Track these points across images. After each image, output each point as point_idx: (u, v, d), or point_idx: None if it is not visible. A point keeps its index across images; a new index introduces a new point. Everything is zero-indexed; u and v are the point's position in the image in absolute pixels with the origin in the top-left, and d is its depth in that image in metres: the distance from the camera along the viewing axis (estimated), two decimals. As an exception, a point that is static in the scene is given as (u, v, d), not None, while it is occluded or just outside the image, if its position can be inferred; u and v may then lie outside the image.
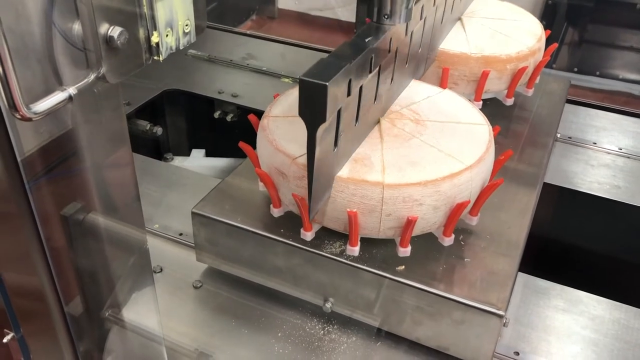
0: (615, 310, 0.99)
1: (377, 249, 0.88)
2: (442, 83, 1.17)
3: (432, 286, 0.84)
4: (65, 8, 0.49)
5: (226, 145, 1.42)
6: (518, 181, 1.07)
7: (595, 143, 1.40)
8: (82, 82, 0.50)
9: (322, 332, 0.93)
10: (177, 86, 1.60)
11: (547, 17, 2.12)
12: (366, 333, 0.92)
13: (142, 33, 0.54)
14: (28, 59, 0.48)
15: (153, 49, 0.55)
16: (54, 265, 0.62)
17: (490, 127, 0.95)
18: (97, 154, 0.62)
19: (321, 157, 0.74)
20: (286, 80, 1.63)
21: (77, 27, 0.49)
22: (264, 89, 1.59)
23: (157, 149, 1.65)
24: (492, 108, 1.24)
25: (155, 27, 0.54)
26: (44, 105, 0.48)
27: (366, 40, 0.80)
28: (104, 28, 0.49)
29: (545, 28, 1.33)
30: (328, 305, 0.91)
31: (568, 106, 1.47)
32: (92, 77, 0.51)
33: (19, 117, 0.46)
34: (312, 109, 0.68)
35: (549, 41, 1.31)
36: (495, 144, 0.92)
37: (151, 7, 0.53)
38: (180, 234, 1.11)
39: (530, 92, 1.28)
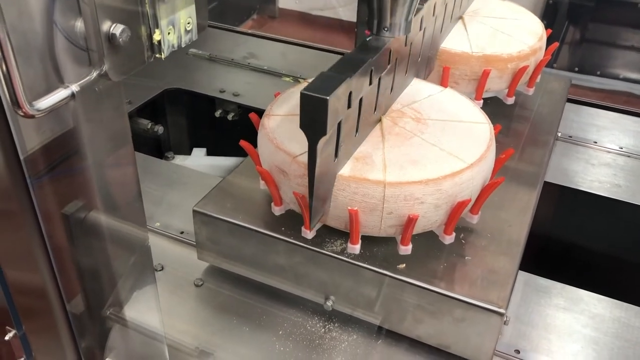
0: (615, 309, 0.99)
1: (378, 247, 0.88)
2: (443, 82, 1.17)
3: (433, 284, 0.84)
4: (68, 6, 0.49)
5: (227, 144, 1.42)
6: (519, 180, 1.07)
7: (596, 142, 1.40)
8: (84, 80, 0.51)
9: (323, 330, 0.93)
10: (179, 85, 1.60)
11: (548, 16, 2.13)
12: (367, 331, 0.92)
13: (144, 31, 0.54)
14: (31, 57, 0.48)
15: (155, 47, 0.56)
16: (56, 263, 0.63)
17: (492, 125, 0.95)
18: (99, 153, 0.62)
19: (322, 168, 0.76)
20: (287, 79, 1.64)
21: (79, 24, 0.50)
22: (265, 88, 1.59)
23: (158, 148, 1.65)
24: (492, 107, 1.24)
25: (157, 25, 0.54)
26: (46, 102, 0.48)
27: (366, 53, 0.81)
28: (106, 26, 0.49)
29: (546, 27, 1.33)
30: (329, 303, 0.91)
31: (569, 105, 1.47)
32: (94, 74, 0.51)
33: (21, 114, 0.46)
34: (313, 122, 0.70)
35: (549, 40, 1.31)
36: (496, 143, 0.92)
37: (153, 6, 0.53)
38: (182, 233, 1.11)
39: (531, 91, 1.28)
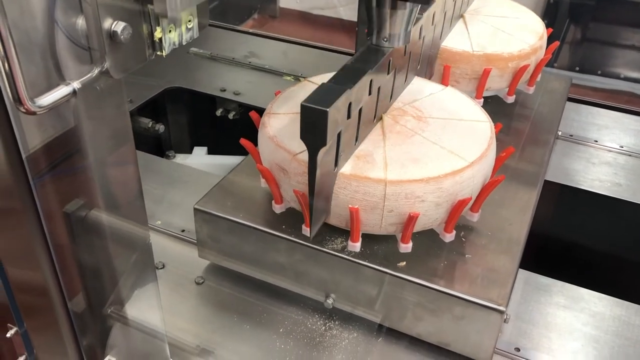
0: (616, 307, 1.00)
1: (379, 245, 0.89)
2: (444, 81, 1.17)
3: (433, 282, 0.84)
4: (69, 3, 0.49)
5: (228, 142, 1.42)
6: (519, 178, 1.07)
7: (596, 141, 1.40)
8: (86, 77, 0.51)
9: (323, 328, 0.93)
10: (179, 84, 1.60)
11: (549, 15, 2.12)
12: (367, 329, 0.93)
13: (145, 28, 0.54)
14: (32, 54, 0.49)
15: (156, 45, 0.56)
16: (58, 261, 0.63)
17: (492, 124, 0.95)
18: (100, 151, 0.63)
19: (322, 177, 0.77)
20: (288, 78, 1.64)
21: (80, 22, 0.50)
22: (266, 87, 1.59)
23: (159, 147, 1.65)
24: (493, 106, 1.24)
25: (158, 23, 0.55)
26: (48, 99, 0.48)
27: (366, 63, 0.82)
28: (107, 23, 0.50)
29: (547, 26, 1.33)
30: (329, 301, 0.91)
31: (569, 104, 1.47)
32: (96, 71, 0.51)
33: (23, 110, 0.46)
34: (313, 133, 0.71)
35: (550, 39, 1.31)
36: (496, 142, 0.93)
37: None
38: (183, 231, 1.11)
39: (531, 90, 1.28)
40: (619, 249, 1.31)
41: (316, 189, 0.76)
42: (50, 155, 0.57)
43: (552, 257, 1.36)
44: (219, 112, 1.60)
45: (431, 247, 0.90)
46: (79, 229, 0.63)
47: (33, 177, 0.55)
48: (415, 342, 0.91)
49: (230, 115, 1.58)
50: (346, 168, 0.82)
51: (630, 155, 1.35)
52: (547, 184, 1.21)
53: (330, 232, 0.89)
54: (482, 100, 1.21)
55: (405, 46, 0.93)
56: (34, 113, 0.47)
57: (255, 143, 0.94)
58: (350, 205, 0.82)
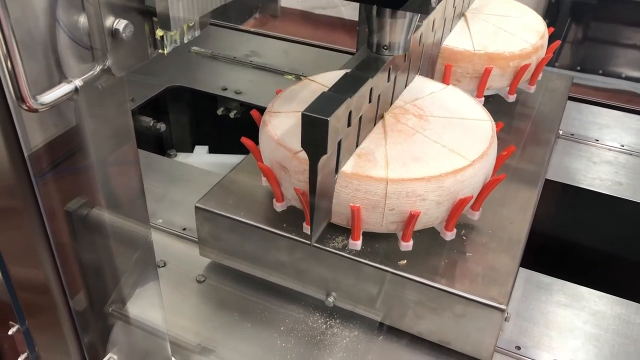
0: (616, 306, 1.00)
1: (379, 244, 0.89)
2: (445, 80, 1.17)
3: (434, 280, 0.84)
4: (71, 1, 0.49)
5: (229, 141, 1.43)
6: (520, 177, 1.07)
7: (597, 140, 1.40)
8: (88, 75, 0.51)
9: (324, 326, 0.93)
10: (181, 83, 1.60)
11: (551, 14, 2.12)
12: (368, 327, 0.93)
13: (147, 26, 0.54)
14: (34, 52, 0.49)
15: (158, 43, 0.56)
16: (60, 260, 0.63)
17: (494, 122, 0.95)
18: (102, 150, 0.63)
19: (323, 184, 0.77)
20: (289, 77, 1.64)
21: (82, 20, 0.50)
22: (267, 86, 1.59)
23: (160, 146, 1.66)
24: (494, 104, 1.24)
25: (159, 21, 0.55)
26: (50, 96, 0.48)
27: (366, 71, 0.83)
28: (109, 21, 0.50)
29: (548, 25, 1.33)
30: (330, 299, 0.92)
31: (571, 103, 1.47)
32: (97, 69, 0.51)
33: (25, 108, 0.46)
34: (314, 141, 0.72)
35: (551, 39, 1.31)
36: (497, 141, 0.93)
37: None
38: (184, 229, 1.11)
39: (532, 89, 1.28)
40: (620, 248, 1.31)
41: (317, 195, 0.77)
42: (52, 153, 0.57)
43: (553, 255, 1.36)
44: (220, 111, 1.60)
45: (432, 246, 0.90)
46: (81, 228, 0.63)
47: (35, 176, 0.56)
48: (416, 341, 0.91)
49: (232, 114, 1.58)
50: (347, 167, 0.83)
51: (631, 155, 1.35)
52: (548, 183, 1.21)
53: (331, 230, 0.89)
54: (483, 99, 1.21)
55: (406, 54, 0.93)
56: (36, 110, 0.47)
57: (256, 142, 0.95)
58: (351, 204, 0.82)
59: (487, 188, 0.88)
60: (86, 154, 0.61)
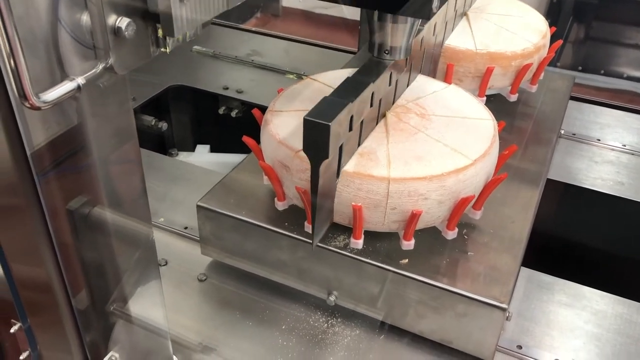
0: (618, 305, 1.00)
1: (381, 243, 0.89)
2: (447, 79, 1.17)
3: (436, 279, 0.84)
4: (74, 0, 0.49)
5: (231, 140, 1.43)
6: (522, 177, 1.07)
7: (599, 140, 1.40)
8: (90, 73, 0.51)
9: (325, 325, 0.93)
10: (182, 82, 1.61)
11: (552, 14, 2.12)
12: (369, 326, 0.93)
13: (149, 25, 0.54)
14: (37, 50, 0.49)
15: (160, 41, 0.56)
16: (62, 258, 0.63)
17: (495, 122, 0.95)
18: (104, 149, 0.63)
19: (324, 187, 0.78)
20: (291, 76, 1.64)
21: (85, 18, 0.50)
22: (269, 85, 1.59)
23: (161, 145, 1.66)
24: (495, 104, 1.24)
25: (162, 20, 0.55)
26: (53, 94, 0.48)
27: (368, 76, 0.83)
28: (112, 19, 0.50)
29: (550, 25, 1.33)
30: (332, 298, 0.92)
31: (572, 103, 1.47)
32: (100, 67, 0.51)
33: (28, 105, 0.47)
34: (316, 146, 0.72)
35: (553, 38, 1.31)
36: (499, 140, 0.93)
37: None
38: (185, 228, 1.11)
39: (534, 89, 1.28)
40: (621, 247, 1.31)
41: (319, 199, 0.77)
42: (55, 152, 0.57)
43: (555, 255, 1.36)
44: (221, 110, 1.60)
45: (433, 245, 0.90)
46: (83, 226, 0.64)
47: (37, 174, 0.56)
48: (417, 340, 0.91)
49: (233, 113, 1.58)
50: (349, 165, 0.83)
51: (632, 154, 1.35)
52: (550, 183, 1.21)
53: (333, 229, 0.89)
54: (485, 98, 1.21)
55: (407, 58, 0.93)
56: (38, 108, 0.47)
57: (258, 141, 0.95)
58: (353, 203, 0.82)
59: (488, 187, 0.88)
60: (88, 153, 0.61)
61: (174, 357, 0.87)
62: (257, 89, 1.59)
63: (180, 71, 1.64)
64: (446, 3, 1.06)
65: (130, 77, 0.58)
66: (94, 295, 0.70)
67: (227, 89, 1.59)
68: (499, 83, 1.22)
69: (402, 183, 0.81)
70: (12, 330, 0.72)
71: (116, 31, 0.50)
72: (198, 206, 0.95)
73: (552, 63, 1.73)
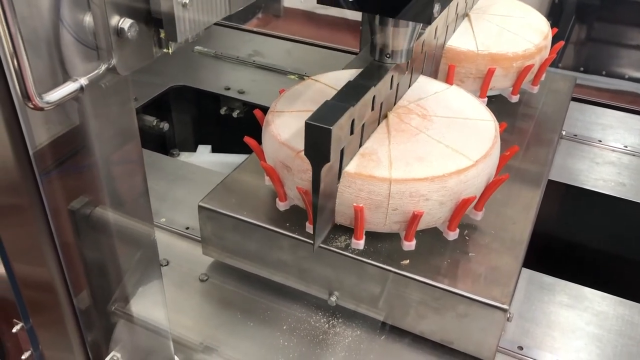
0: (619, 306, 1.00)
1: (382, 243, 0.89)
2: (448, 80, 1.17)
3: (437, 280, 0.84)
4: (77, 1, 0.49)
5: (232, 141, 1.43)
6: (523, 178, 1.07)
7: (600, 141, 1.40)
8: (93, 74, 0.51)
9: (326, 325, 0.93)
10: (184, 82, 1.61)
11: (554, 14, 2.12)
12: (370, 326, 0.93)
13: (151, 26, 0.54)
14: (40, 51, 0.49)
15: (162, 42, 0.56)
16: (64, 258, 0.63)
17: (497, 123, 0.95)
18: (106, 149, 0.63)
19: (326, 190, 0.78)
20: (292, 76, 1.64)
21: (88, 19, 0.50)
22: (270, 86, 1.59)
23: (163, 145, 1.66)
24: (497, 105, 1.24)
25: (164, 21, 0.55)
26: (56, 95, 0.48)
27: (369, 79, 0.83)
28: (114, 20, 0.50)
29: (552, 26, 1.33)
30: (333, 298, 0.92)
31: (574, 104, 1.47)
32: (102, 68, 0.51)
33: (31, 106, 0.47)
34: (317, 150, 0.73)
35: (555, 39, 1.31)
36: (500, 141, 0.93)
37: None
38: (187, 228, 1.12)
39: (535, 90, 1.28)
40: (622, 249, 1.31)
41: (320, 201, 0.78)
42: (57, 152, 0.57)
43: (556, 256, 1.36)
44: (223, 111, 1.60)
45: (435, 246, 0.90)
46: (85, 226, 0.64)
47: (40, 174, 0.56)
48: (418, 340, 0.91)
49: (235, 114, 1.59)
50: (351, 166, 0.83)
51: (634, 155, 1.35)
52: (551, 184, 1.21)
53: (334, 230, 0.89)
54: (486, 99, 1.21)
55: (409, 62, 0.94)
56: (42, 109, 0.48)
57: (259, 141, 0.95)
58: (354, 204, 0.82)
59: (490, 188, 0.88)
60: (90, 153, 0.61)
61: (175, 357, 0.87)
62: (259, 89, 1.59)
63: (182, 71, 1.64)
64: (447, 7, 1.07)
65: (132, 78, 0.58)
66: (96, 295, 0.70)
67: (228, 89, 1.59)
68: (501, 84, 1.22)
69: (403, 184, 0.81)
70: (14, 330, 0.72)
71: (119, 32, 0.51)
72: (199, 206, 0.95)
73: (554, 64, 1.73)
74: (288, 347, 0.90)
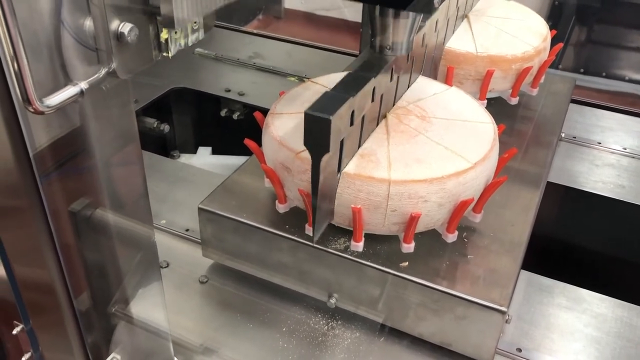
0: (618, 309, 1.00)
1: (381, 245, 0.89)
2: (447, 82, 1.17)
3: (436, 282, 0.84)
4: (77, 5, 0.50)
5: (233, 143, 1.43)
6: (522, 180, 1.07)
7: (600, 143, 1.40)
8: (93, 77, 0.51)
9: (326, 327, 0.94)
10: (185, 84, 1.61)
11: (553, 16, 2.12)
12: (369, 328, 0.93)
13: (151, 30, 0.55)
14: (41, 55, 0.49)
15: (162, 46, 0.56)
16: (64, 260, 0.63)
17: (495, 125, 0.96)
18: (106, 151, 0.63)
19: (325, 183, 0.78)
20: (292, 79, 1.64)
21: (88, 23, 0.50)
22: (271, 88, 1.60)
23: (163, 147, 1.66)
24: (496, 107, 1.24)
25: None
26: (56, 99, 0.49)
27: (369, 71, 0.83)
28: (114, 24, 0.50)
29: (551, 28, 1.33)
30: (332, 300, 0.92)
31: (573, 106, 1.47)
32: (103, 72, 0.52)
33: (32, 110, 0.47)
34: (317, 140, 0.72)
35: (554, 41, 1.31)
36: (499, 143, 0.93)
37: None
38: (187, 230, 1.12)
39: (534, 92, 1.29)
40: (621, 251, 1.31)
41: (319, 194, 0.77)
42: (57, 154, 0.57)
43: (555, 258, 1.36)
44: (223, 113, 1.61)
45: (433, 248, 0.90)
46: (85, 228, 0.64)
47: (40, 176, 0.56)
48: (417, 342, 0.91)
49: (235, 116, 1.59)
50: (350, 167, 0.83)
51: (633, 158, 1.36)
52: (550, 186, 1.21)
53: (334, 231, 0.90)
54: (485, 101, 1.22)
55: (409, 54, 0.94)
56: (42, 113, 0.48)
57: (260, 143, 0.95)
58: (353, 205, 0.83)
59: (488, 190, 0.89)
60: (90, 155, 0.61)
61: (175, 358, 0.87)
62: (259, 91, 1.59)
63: (182, 73, 1.65)
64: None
65: (132, 80, 0.58)
66: (96, 296, 0.70)
67: (229, 91, 1.59)
68: (500, 86, 1.23)
69: (402, 185, 0.81)
70: (14, 332, 0.72)
71: (119, 36, 0.51)
72: (199, 208, 0.96)
73: (554, 65, 1.73)
74: (287, 348, 0.90)
